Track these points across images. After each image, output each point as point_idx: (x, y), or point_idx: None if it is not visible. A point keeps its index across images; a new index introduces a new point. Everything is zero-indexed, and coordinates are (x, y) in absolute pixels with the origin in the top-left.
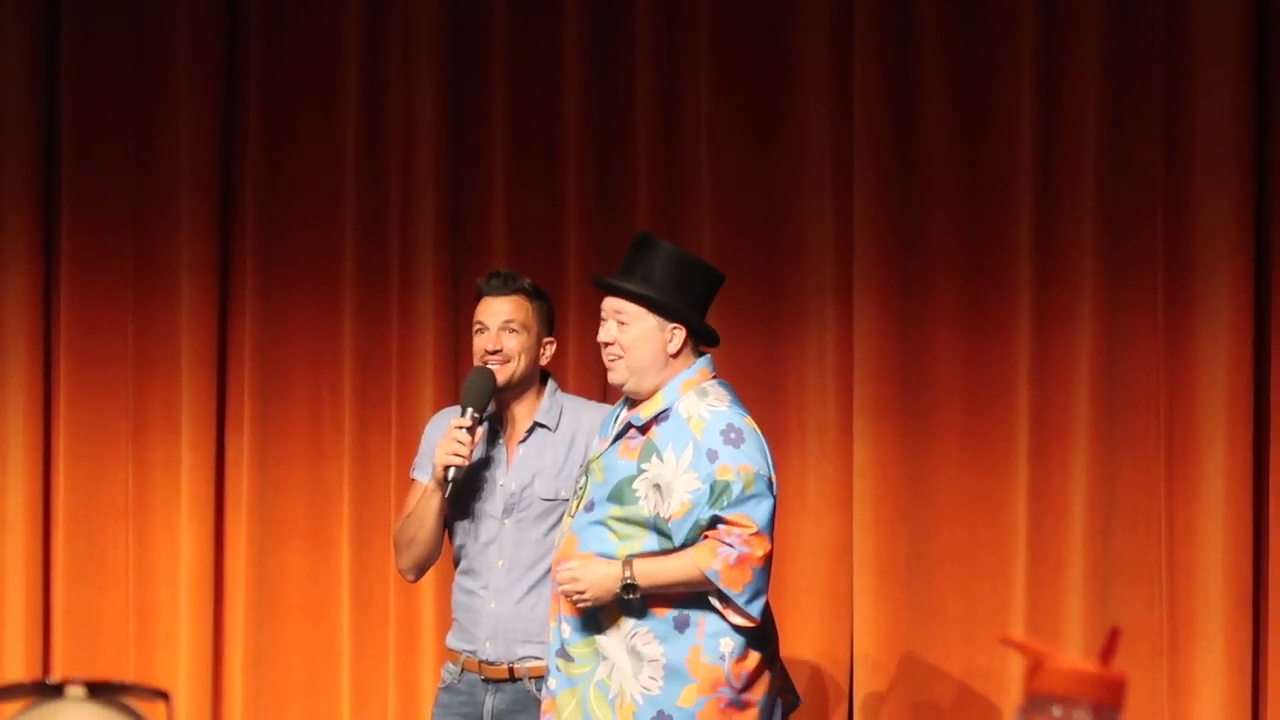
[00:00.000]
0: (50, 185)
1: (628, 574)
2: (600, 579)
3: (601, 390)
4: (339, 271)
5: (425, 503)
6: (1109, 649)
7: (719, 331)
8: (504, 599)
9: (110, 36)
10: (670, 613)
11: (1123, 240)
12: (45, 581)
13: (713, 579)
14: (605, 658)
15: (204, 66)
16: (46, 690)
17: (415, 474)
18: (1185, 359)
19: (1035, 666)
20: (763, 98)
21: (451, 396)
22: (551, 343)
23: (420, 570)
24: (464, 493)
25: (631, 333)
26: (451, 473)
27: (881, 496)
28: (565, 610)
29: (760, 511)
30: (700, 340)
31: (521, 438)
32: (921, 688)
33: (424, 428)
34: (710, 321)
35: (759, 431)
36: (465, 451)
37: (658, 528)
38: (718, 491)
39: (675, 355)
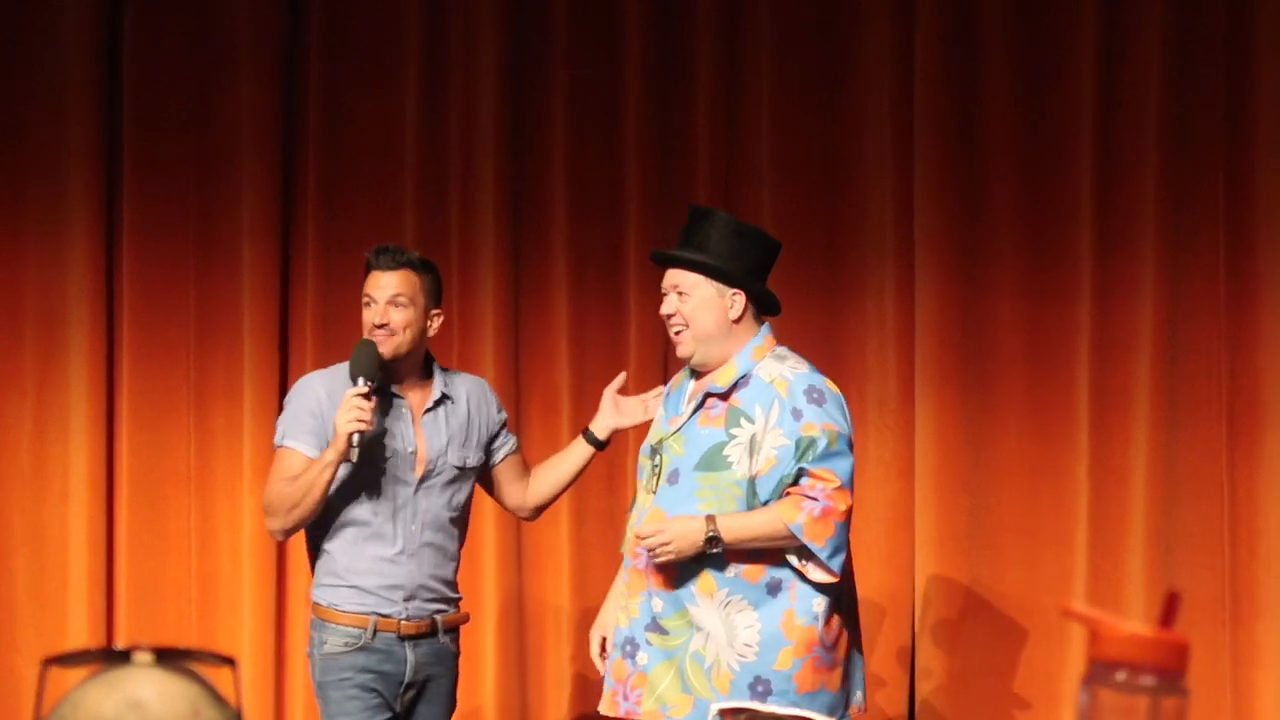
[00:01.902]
0: (112, 154)
1: (711, 528)
2: (685, 532)
3: (664, 359)
4: (399, 239)
5: (321, 473)
6: (1169, 613)
7: (780, 299)
8: (420, 560)
9: (173, 5)
10: (762, 579)
11: (1185, 207)
12: (109, 549)
13: (796, 533)
14: (700, 628)
15: (266, 36)
16: (114, 656)
17: (288, 442)
18: (1248, 326)
19: (1095, 635)
20: (823, 64)
21: (511, 365)
22: (439, 314)
23: (291, 534)
24: (368, 462)
25: (692, 302)
26: (356, 439)
27: (943, 465)
28: (655, 584)
29: (843, 467)
30: (762, 308)
31: (428, 407)
32: (983, 654)
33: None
34: (771, 290)
35: (839, 392)
36: (368, 417)
37: (750, 491)
38: (803, 447)
39: (737, 321)
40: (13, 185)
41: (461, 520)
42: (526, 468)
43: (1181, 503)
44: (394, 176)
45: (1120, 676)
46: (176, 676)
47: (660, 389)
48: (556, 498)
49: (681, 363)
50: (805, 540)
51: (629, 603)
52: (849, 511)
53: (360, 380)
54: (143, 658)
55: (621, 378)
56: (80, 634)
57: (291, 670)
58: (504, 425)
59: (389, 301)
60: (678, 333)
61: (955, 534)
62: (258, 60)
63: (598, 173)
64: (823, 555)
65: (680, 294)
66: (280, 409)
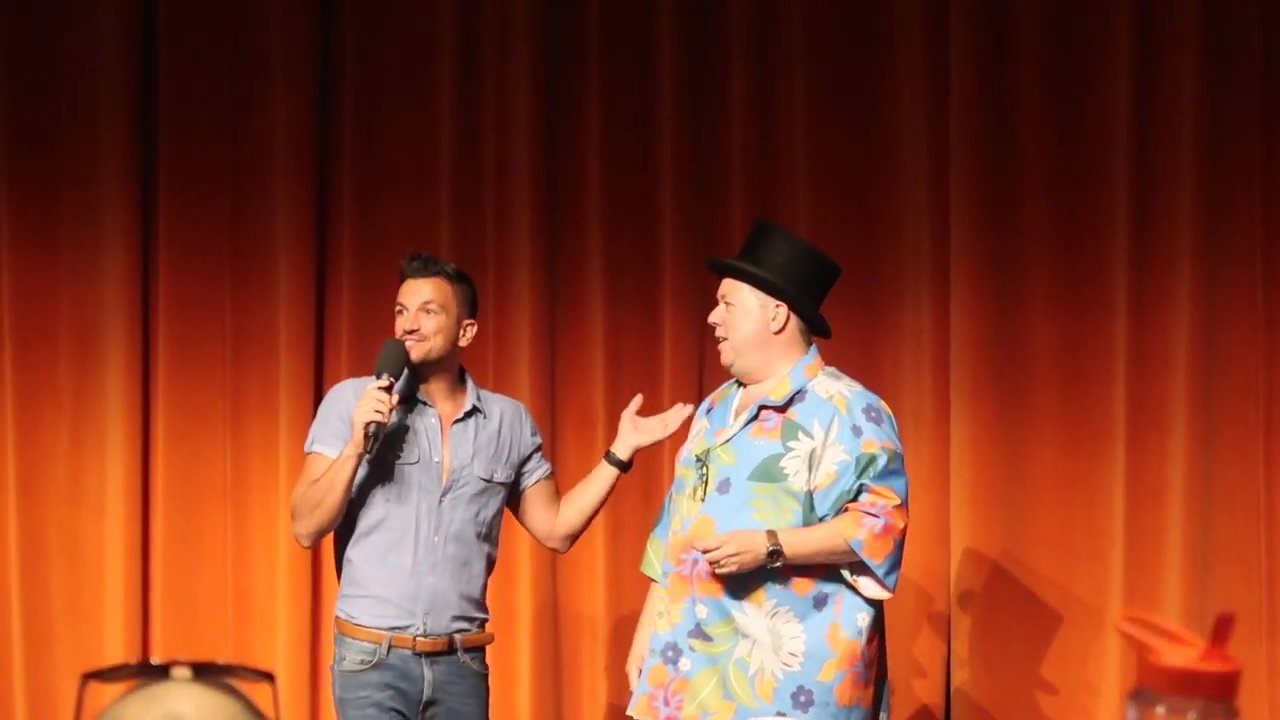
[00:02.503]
0: (147, 165)
1: (773, 542)
2: (749, 545)
3: (699, 374)
4: (435, 252)
5: (340, 469)
6: (1220, 635)
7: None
8: (441, 573)
9: (206, 15)
10: (810, 591)
11: (1221, 221)
12: (144, 563)
13: (856, 549)
14: (745, 635)
15: (299, 45)
16: (152, 671)
17: (316, 447)
18: None
19: (1143, 662)
20: (857, 78)
21: (547, 380)
22: (472, 324)
23: (317, 537)
24: (394, 468)
25: (735, 312)
26: (373, 429)
27: (978, 479)
28: (701, 591)
29: (900, 486)
30: (811, 328)
31: (458, 418)
32: (1018, 669)
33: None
34: (823, 315)
35: (891, 412)
36: (385, 409)
37: (808, 504)
38: (864, 463)
39: (779, 333)
40: (47, 196)
41: (489, 536)
42: (558, 496)
43: (1218, 518)
44: (429, 189)
45: (1161, 710)
46: (215, 691)
47: (680, 405)
48: (586, 525)
49: (713, 379)
50: (864, 556)
51: (670, 609)
52: (906, 530)
53: (382, 375)
54: (181, 673)
55: (638, 400)
56: (116, 648)
57: (326, 685)
58: (538, 449)
59: (420, 308)
60: (720, 341)
61: (990, 548)
62: (291, 70)
63: (632, 187)
64: (880, 571)
65: (727, 304)
66: None
